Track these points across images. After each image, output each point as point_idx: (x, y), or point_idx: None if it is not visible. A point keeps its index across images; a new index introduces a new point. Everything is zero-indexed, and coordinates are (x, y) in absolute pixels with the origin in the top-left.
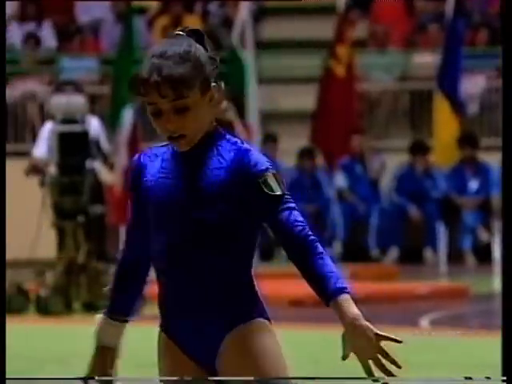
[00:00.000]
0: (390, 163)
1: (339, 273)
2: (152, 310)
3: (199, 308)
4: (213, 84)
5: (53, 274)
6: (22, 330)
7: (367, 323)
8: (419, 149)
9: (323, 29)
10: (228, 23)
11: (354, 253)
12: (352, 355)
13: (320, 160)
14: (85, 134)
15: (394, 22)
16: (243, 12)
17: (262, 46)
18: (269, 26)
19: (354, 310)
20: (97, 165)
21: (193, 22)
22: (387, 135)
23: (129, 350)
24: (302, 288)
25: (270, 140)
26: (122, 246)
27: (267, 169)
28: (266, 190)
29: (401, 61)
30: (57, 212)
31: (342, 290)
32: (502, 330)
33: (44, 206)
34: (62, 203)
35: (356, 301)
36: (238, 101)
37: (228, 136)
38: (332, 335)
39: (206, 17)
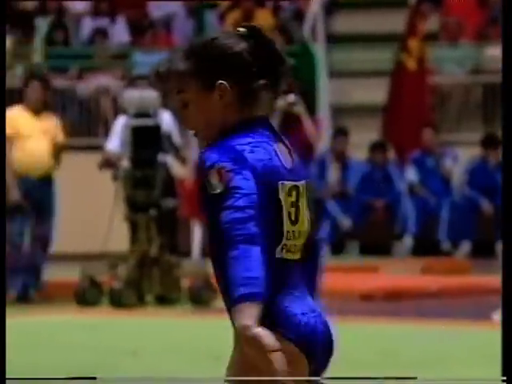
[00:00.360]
0: (461, 157)
1: (244, 277)
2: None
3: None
4: (219, 82)
5: (126, 267)
6: (96, 322)
7: (254, 334)
8: (492, 142)
9: (395, 22)
10: (299, 17)
11: (426, 247)
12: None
13: (391, 154)
14: (157, 128)
15: (466, 14)
16: (315, 5)
17: (334, 40)
18: (340, 20)
19: (241, 321)
20: (169, 159)
21: (264, 16)
22: (459, 129)
23: (205, 344)
24: (372, 282)
25: (340, 134)
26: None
27: (212, 165)
28: (208, 190)
29: (473, 54)
30: (129, 205)
31: (236, 300)
32: (502, 329)
33: (117, 199)
34: (134, 197)
35: (424, 296)
36: (308, 95)
37: (231, 133)
38: (403, 329)
39: (278, 11)
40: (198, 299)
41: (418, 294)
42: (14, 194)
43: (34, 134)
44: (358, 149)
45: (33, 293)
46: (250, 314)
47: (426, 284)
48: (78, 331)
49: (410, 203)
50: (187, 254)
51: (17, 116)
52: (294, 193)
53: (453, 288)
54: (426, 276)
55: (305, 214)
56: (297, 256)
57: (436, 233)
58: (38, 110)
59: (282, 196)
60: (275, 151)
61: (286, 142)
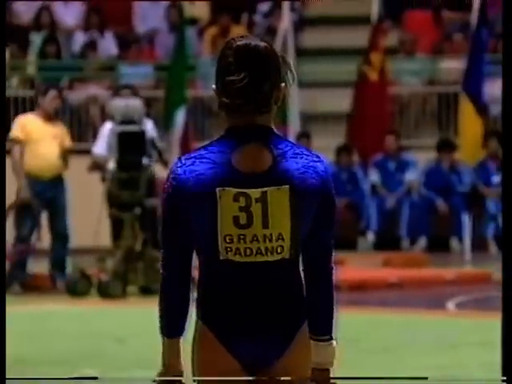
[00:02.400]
0: (419, 160)
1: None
2: None
3: None
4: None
5: (112, 261)
6: (85, 311)
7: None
8: (446, 147)
9: (358, 37)
10: (271, 32)
11: (387, 242)
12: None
13: (355, 157)
14: (142, 134)
15: (422, 30)
16: (285, 22)
17: (303, 53)
18: (308, 35)
19: None
20: (152, 161)
21: (239, 32)
22: (417, 134)
23: None
24: (338, 274)
25: (303, 137)
26: None
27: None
28: None
29: (429, 66)
30: (116, 204)
31: None
32: (502, 331)
33: (105, 199)
34: (120, 196)
35: (385, 286)
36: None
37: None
38: (366, 318)
39: (252, 27)
40: None
41: (380, 285)
42: (23, 192)
43: (44, 139)
44: (326, 152)
45: (61, 284)
46: None
47: (387, 276)
48: (69, 320)
49: (373, 202)
50: None
51: (29, 122)
52: (242, 198)
53: (411, 280)
54: (387, 269)
55: (274, 218)
56: (258, 259)
57: (396, 229)
58: (50, 117)
59: (220, 201)
60: (228, 160)
61: (269, 145)
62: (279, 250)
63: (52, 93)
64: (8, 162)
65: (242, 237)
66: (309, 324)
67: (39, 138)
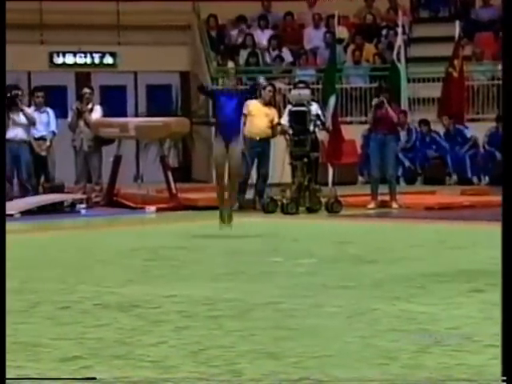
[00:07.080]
0: (484, 127)
1: None
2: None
3: None
4: None
5: (290, 191)
6: (273, 222)
7: None
8: (501, 119)
9: (446, 49)
10: (390, 47)
11: (463, 180)
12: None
13: (445, 122)
14: (308, 112)
15: (486, 45)
16: (399, 40)
17: (410, 60)
18: (414, 48)
19: None
20: (316, 128)
21: (369, 47)
22: (483, 111)
23: (334, 234)
24: (432, 200)
25: (403, 112)
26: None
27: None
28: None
29: (491, 68)
30: (292, 156)
31: None
32: (502, 332)
33: (287, 152)
34: (295, 151)
35: (462, 207)
36: (391, 92)
37: None
38: (450, 227)
39: (378, 44)
40: (331, 210)
41: (459, 207)
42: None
43: (259, 115)
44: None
45: (259, 205)
46: None
47: (463, 201)
48: (263, 227)
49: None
50: (325, 184)
51: (252, 104)
52: None
53: (478, 203)
54: (464, 196)
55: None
56: None
57: (469, 172)
58: (266, 103)
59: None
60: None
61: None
62: None
63: (268, 87)
64: None
65: None
66: None
67: (256, 114)
